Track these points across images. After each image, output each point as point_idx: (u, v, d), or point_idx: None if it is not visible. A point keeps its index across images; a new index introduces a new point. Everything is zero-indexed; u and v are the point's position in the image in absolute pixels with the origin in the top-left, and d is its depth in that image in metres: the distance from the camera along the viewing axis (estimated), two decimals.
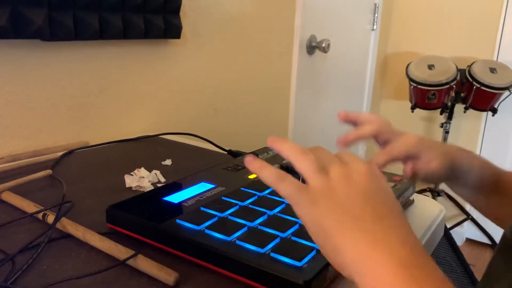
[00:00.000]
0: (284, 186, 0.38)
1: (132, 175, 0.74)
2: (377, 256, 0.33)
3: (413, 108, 2.15)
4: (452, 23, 2.31)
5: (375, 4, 2.24)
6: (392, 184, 0.65)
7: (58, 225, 0.55)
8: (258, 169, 0.40)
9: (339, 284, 0.47)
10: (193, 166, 0.83)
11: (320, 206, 0.37)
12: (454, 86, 2.03)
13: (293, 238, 0.49)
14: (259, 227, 0.51)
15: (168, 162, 0.85)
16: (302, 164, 0.39)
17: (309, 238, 0.48)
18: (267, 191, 0.62)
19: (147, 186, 0.71)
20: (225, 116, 1.40)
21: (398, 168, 0.53)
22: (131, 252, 0.48)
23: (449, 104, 2.11)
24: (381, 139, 0.57)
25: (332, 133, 2.14)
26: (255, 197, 0.59)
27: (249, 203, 0.57)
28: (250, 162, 0.40)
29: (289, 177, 0.39)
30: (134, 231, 0.53)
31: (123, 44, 1.03)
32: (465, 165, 0.56)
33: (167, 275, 0.45)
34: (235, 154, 0.89)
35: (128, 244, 0.51)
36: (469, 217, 2.34)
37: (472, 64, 2.05)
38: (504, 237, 0.48)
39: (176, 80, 1.20)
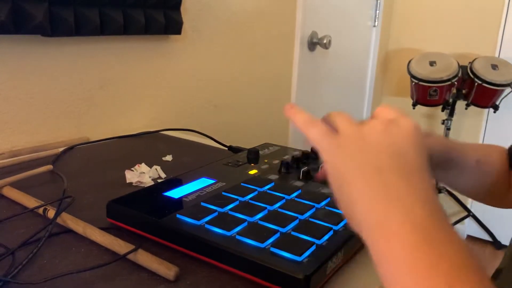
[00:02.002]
0: (313, 130, 0.38)
1: (132, 170, 0.74)
2: (393, 211, 0.31)
3: (414, 105, 2.15)
4: (454, 20, 2.30)
5: (377, 1, 2.23)
6: None
7: (58, 220, 0.55)
8: (293, 114, 0.41)
9: (339, 279, 0.47)
10: (193, 162, 0.83)
11: (345, 151, 0.36)
12: (456, 83, 2.02)
13: (293, 233, 0.49)
14: (259, 222, 0.51)
15: (168, 157, 0.85)
16: (337, 118, 0.39)
17: (309, 233, 0.48)
18: (267, 187, 0.62)
19: (148, 182, 0.71)
20: (226, 112, 1.40)
21: None
22: (132, 247, 0.48)
23: (451, 100, 2.10)
24: None
25: None
26: (256, 193, 0.59)
27: (249, 198, 0.57)
28: (288, 109, 0.42)
29: (319, 123, 0.39)
30: (134, 226, 0.53)
31: (124, 39, 1.03)
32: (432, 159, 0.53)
33: (167, 270, 0.46)
34: (236, 150, 0.89)
35: (129, 239, 0.51)
36: (470, 214, 2.33)
37: (473, 60, 2.05)
38: None
39: (177, 76, 1.20)
